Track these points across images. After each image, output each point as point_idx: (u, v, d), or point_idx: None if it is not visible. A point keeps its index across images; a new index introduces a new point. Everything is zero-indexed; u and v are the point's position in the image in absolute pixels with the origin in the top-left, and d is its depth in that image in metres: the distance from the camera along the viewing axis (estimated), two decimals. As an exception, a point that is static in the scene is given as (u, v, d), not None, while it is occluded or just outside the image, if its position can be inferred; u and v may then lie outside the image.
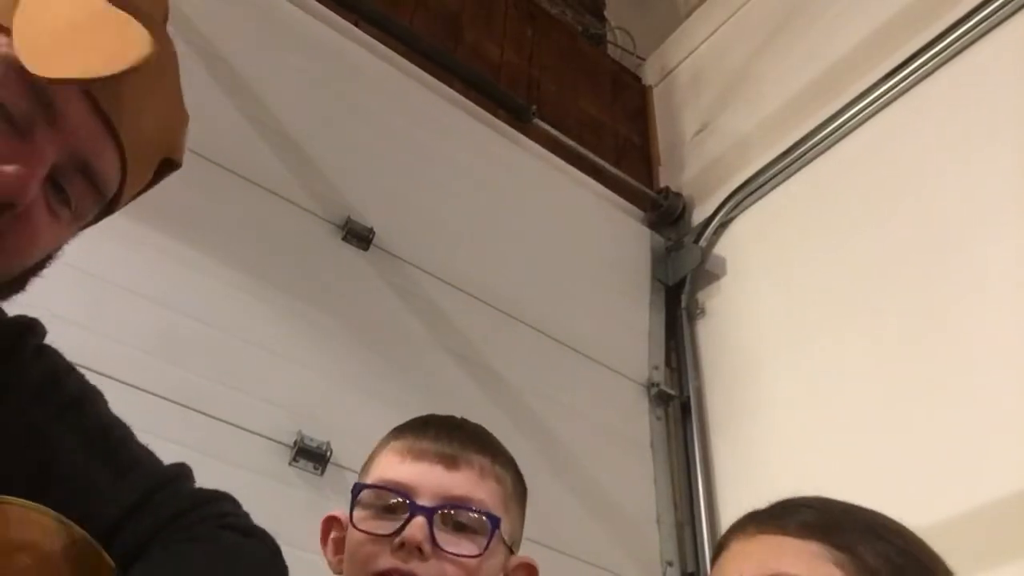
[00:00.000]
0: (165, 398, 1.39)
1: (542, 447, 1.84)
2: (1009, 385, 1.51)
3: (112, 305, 1.42)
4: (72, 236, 0.70)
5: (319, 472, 1.50)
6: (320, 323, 1.66)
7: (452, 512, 0.86)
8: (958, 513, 1.44)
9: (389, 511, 0.87)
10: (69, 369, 0.78)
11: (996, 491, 1.43)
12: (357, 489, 0.90)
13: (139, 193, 0.74)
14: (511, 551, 0.92)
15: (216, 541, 0.72)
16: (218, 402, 1.44)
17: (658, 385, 2.16)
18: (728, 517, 1.93)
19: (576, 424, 1.94)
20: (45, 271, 0.70)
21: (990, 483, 1.45)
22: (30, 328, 0.76)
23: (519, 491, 0.96)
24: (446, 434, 0.92)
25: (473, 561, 0.85)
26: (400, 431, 0.94)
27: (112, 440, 0.76)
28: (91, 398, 0.78)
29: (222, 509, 0.77)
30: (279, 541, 0.80)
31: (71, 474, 0.71)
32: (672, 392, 2.17)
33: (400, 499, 0.86)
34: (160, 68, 0.68)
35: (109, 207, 0.71)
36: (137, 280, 1.47)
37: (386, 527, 0.85)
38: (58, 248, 0.70)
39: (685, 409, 2.15)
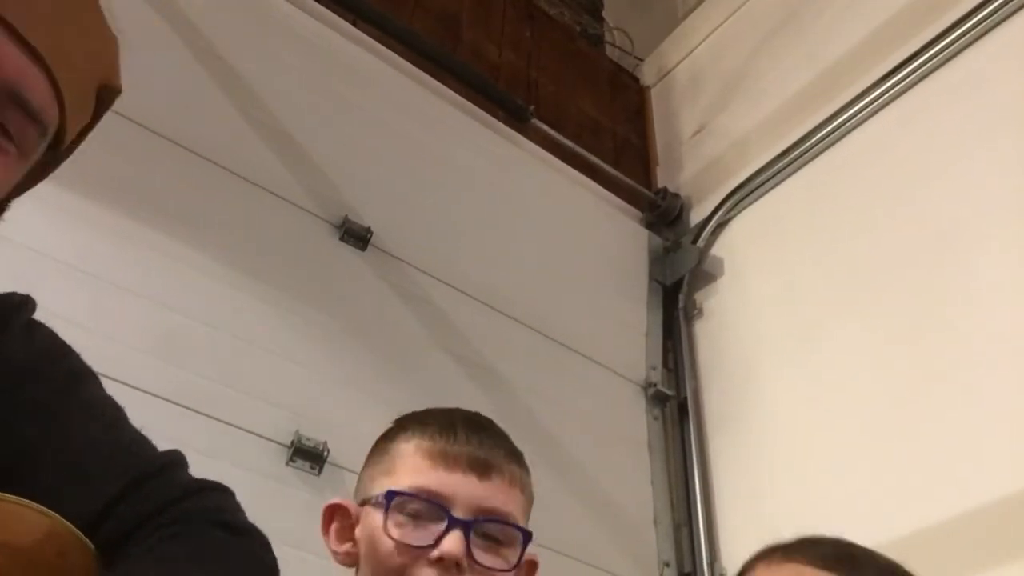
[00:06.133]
0: (162, 397, 1.39)
1: (539, 447, 1.83)
2: (1009, 384, 1.51)
3: (109, 304, 1.41)
4: (21, 175, 0.68)
5: (316, 472, 1.50)
6: (317, 322, 1.66)
7: (487, 525, 0.88)
8: (958, 513, 1.44)
9: (421, 518, 0.87)
10: (66, 346, 0.78)
11: (996, 491, 1.43)
12: (390, 496, 0.88)
13: (87, 129, 0.72)
14: None
15: (202, 538, 0.71)
16: (215, 402, 1.44)
17: (655, 385, 2.16)
18: (725, 517, 1.94)
19: (573, 424, 1.94)
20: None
21: (990, 482, 1.44)
22: (20, 306, 0.76)
23: (532, 489, 0.98)
24: (476, 437, 0.92)
25: (506, 575, 0.88)
26: (424, 428, 0.93)
27: (111, 419, 0.76)
28: (91, 376, 0.78)
29: (213, 502, 0.75)
30: (277, 541, 0.79)
31: (71, 447, 0.70)
32: (669, 392, 2.18)
33: (435, 508, 0.87)
34: None
35: (58, 145, 0.69)
36: (135, 280, 1.47)
37: (421, 537, 0.86)
38: (9, 188, 0.68)
39: (682, 409, 2.15)
